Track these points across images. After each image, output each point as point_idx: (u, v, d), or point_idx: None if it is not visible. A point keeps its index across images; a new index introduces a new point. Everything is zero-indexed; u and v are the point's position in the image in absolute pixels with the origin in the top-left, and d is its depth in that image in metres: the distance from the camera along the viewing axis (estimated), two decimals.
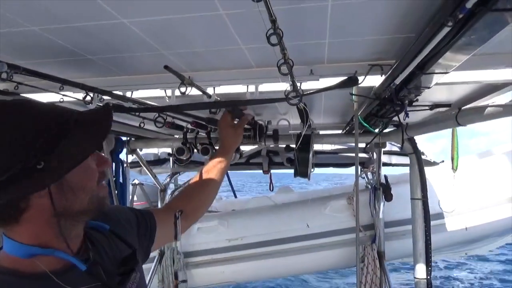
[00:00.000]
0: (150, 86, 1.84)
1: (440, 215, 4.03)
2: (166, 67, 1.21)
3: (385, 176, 3.83)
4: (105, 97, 1.68)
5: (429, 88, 1.55)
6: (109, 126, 0.95)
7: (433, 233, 3.07)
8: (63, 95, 1.58)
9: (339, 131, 3.62)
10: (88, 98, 1.53)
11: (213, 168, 1.79)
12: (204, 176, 1.72)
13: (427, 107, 2.57)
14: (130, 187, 3.83)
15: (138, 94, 1.97)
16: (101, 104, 1.77)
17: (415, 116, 2.85)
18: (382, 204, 3.81)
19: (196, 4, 1.12)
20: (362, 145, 3.41)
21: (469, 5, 0.85)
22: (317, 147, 3.87)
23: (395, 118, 2.13)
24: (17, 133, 0.81)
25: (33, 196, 0.84)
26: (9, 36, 1.30)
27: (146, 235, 1.33)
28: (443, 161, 4.49)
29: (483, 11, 0.83)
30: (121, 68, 1.76)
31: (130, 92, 1.91)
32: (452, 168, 3.24)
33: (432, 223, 3.14)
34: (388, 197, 3.69)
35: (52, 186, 0.85)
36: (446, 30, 0.96)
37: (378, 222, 3.90)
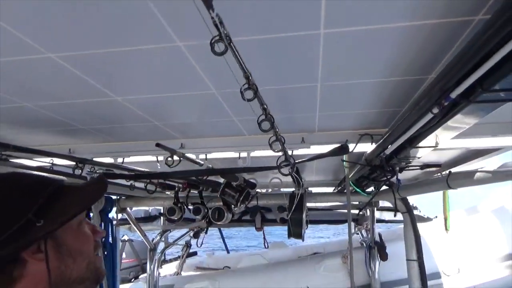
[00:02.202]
0: (141, 153, 1.84)
1: (437, 275, 3.92)
2: (157, 144, 1.21)
3: (380, 235, 3.76)
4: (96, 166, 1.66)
5: (418, 158, 1.57)
6: (103, 190, 0.97)
7: None
8: (53, 164, 1.57)
9: (332, 188, 3.61)
10: (78, 170, 1.52)
11: None
12: None
13: (417, 167, 2.59)
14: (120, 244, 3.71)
15: (130, 159, 1.96)
16: (90, 171, 1.75)
17: (406, 173, 2.87)
18: (377, 263, 3.72)
19: (188, 84, 1.15)
20: (355, 202, 3.39)
21: (453, 95, 0.88)
22: (310, 204, 3.84)
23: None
24: (17, 195, 0.82)
25: (29, 263, 0.80)
26: (9, 112, 1.31)
27: None
28: (436, 217, 4.46)
29: (466, 103, 0.86)
30: (113, 136, 1.76)
31: (122, 158, 1.90)
32: (445, 228, 3.21)
33: (430, 283, 3.06)
34: (383, 256, 3.61)
35: (49, 248, 0.82)
36: (431, 115, 0.98)
37: (374, 283, 3.77)
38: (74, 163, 1.53)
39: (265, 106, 0.88)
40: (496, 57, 0.69)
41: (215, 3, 0.69)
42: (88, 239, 0.92)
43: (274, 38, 0.87)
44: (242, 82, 0.72)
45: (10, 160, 1.46)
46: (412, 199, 4.48)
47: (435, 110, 0.95)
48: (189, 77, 1.08)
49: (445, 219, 3.20)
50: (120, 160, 1.90)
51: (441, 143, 1.34)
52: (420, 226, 3.18)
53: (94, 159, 1.88)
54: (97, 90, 1.16)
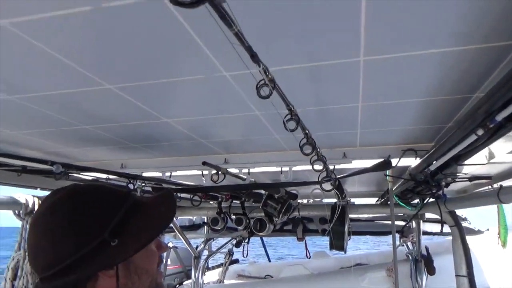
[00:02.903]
0: (188, 168, 1.93)
1: None
2: (204, 163, 1.28)
3: (426, 248, 3.63)
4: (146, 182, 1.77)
5: (465, 174, 1.53)
6: (174, 211, 0.97)
7: None
8: (108, 179, 1.69)
9: (375, 199, 3.55)
10: (131, 185, 1.62)
11: None
12: None
13: (466, 179, 2.50)
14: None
15: (177, 173, 2.06)
16: (141, 185, 1.86)
17: (454, 185, 2.77)
18: (424, 277, 3.58)
19: (232, 107, 1.21)
20: (400, 214, 3.31)
21: (498, 118, 0.87)
22: (352, 215, 3.78)
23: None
24: (96, 210, 0.84)
25: (100, 278, 0.84)
26: (68, 133, 1.44)
27: None
28: (488, 230, 4.23)
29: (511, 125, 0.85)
30: (162, 151, 1.87)
31: (169, 172, 2.00)
32: (502, 245, 3.03)
33: None
34: (431, 270, 3.48)
35: (120, 266, 0.85)
36: (475, 136, 0.97)
37: None
38: (127, 179, 1.64)
39: (307, 131, 0.91)
40: None
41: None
42: (154, 258, 0.95)
43: (316, 66, 0.91)
44: (284, 112, 0.77)
45: (70, 175, 1.59)
46: (461, 211, 4.29)
47: (480, 132, 0.94)
48: (233, 101, 1.14)
49: (499, 234, 3.02)
50: (167, 174, 2.00)
51: (488, 161, 1.30)
52: (471, 239, 3.04)
53: (143, 173, 1.99)
54: (149, 113, 1.24)
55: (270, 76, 0.57)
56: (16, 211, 2.07)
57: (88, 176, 1.72)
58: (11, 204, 2.02)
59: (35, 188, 2.02)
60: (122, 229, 0.84)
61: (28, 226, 2.11)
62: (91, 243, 0.80)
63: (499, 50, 0.84)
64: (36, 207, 2.06)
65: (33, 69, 0.91)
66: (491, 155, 1.44)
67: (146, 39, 0.77)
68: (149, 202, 0.94)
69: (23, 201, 2.03)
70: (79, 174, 1.53)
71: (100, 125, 1.37)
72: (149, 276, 0.92)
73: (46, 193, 2.15)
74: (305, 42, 0.80)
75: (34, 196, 2.10)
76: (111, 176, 1.76)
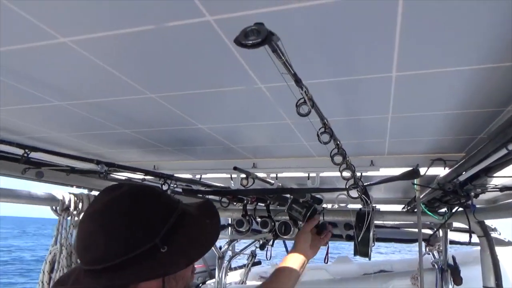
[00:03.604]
0: (217, 171, 1.99)
1: None
2: (235, 168, 1.33)
3: (453, 257, 3.57)
4: (178, 182, 1.84)
5: (496, 186, 1.52)
6: (218, 225, 0.98)
7: None
8: (144, 179, 1.78)
9: (401, 206, 3.52)
10: (165, 185, 1.70)
11: (286, 275, 1.64)
12: (278, 280, 1.60)
13: (497, 189, 2.46)
14: None
15: (207, 175, 2.13)
16: (175, 186, 1.93)
17: (484, 195, 2.72)
18: (450, 287, 3.53)
19: (265, 115, 1.26)
20: (426, 222, 3.27)
21: None
22: (377, 221, 3.75)
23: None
24: (151, 214, 0.86)
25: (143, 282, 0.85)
26: (108, 136, 1.53)
27: None
28: None
29: None
30: (193, 155, 1.94)
31: (199, 175, 2.07)
32: None
33: None
34: (458, 281, 3.41)
35: None
36: (506, 151, 0.98)
37: None
38: (161, 178, 1.72)
39: (338, 142, 0.95)
40: None
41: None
42: (192, 266, 0.98)
43: (348, 80, 0.94)
44: (318, 126, 0.81)
45: (110, 175, 1.68)
46: (491, 221, 4.17)
47: (511, 147, 0.95)
48: (266, 111, 1.19)
49: None
50: (198, 176, 2.07)
51: None
52: (501, 250, 2.97)
53: (175, 174, 2.07)
54: (185, 120, 1.31)
55: (309, 96, 0.61)
56: (54, 207, 2.19)
57: (124, 176, 1.81)
58: (49, 200, 2.14)
59: (80, 187, 2.13)
60: (171, 238, 0.85)
61: (64, 221, 2.23)
62: (142, 246, 0.81)
63: None
64: (72, 204, 2.17)
65: (83, 79, 0.99)
66: None
67: (191, 55, 0.83)
68: (194, 213, 0.95)
69: (60, 197, 2.15)
70: (116, 174, 1.62)
71: (138, 129, 1.45)
72: (184, 282, 0.95)
73: (82, 191, 2.26)
74: (339, 59, 0.84)
75: (70, 193, 2.22)
76: (146, 177, 1.85)
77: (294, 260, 1.67)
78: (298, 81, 0.54)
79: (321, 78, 0.93)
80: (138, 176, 1.70)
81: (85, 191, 2.27)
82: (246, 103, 1.15)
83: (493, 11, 0.65)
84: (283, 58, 0.46)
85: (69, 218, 2.22)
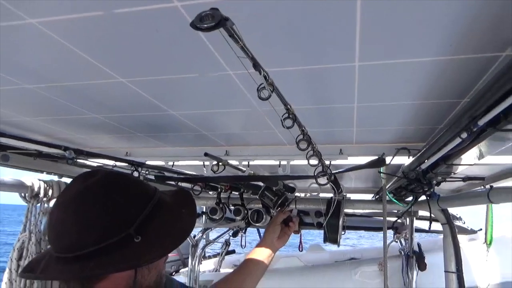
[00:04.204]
0: (190, 158, 2.01)
1: None
2: (206, 154, 1.35)
3: (419, 244, 3.73)
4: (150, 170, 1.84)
5: (454, 174, 1.60)
6: (195, 216, 0.97)
7: None
8: (115, 166, 1.77)
9: (371, 195, 3.63)
10: (136, 172, 1.70)
11: (253, 265, 1.69)
12: (245, 271, 1.66)
13: (460, 179, 2.58)
14: None
15: (179, 163, 2.14)
16: (146, 174, 1.93)
17: (449, 185, 2.85)
18: (415, 273, 3.69)
19: (235, 102, 1.29)
20: (394, 210, 3.39)
21: (481, 123, 0.95)
22: (347, 210, 3.86)
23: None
24: (126, 203, 0.84)
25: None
26: (78, 121, 1.52)
27: None
28: (481, 229, 4.33)
29: (492, 131, 0.92)
30: (165, 141, 1.94)
31: (172, 162, 2.08)
32: (486, 242, 3.13)
33: None
34: (422, 266, 3.58)
35: None
36: (459, 139, 1.05)
37: None
38: (132, 166, 1.72)
39: (303, 128, 0.99)
40: None
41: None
42: (166, 256, 0.97)
43: (313, 69, 0.98)
44: (282, 111, 0.84)
45: (79, 161, 1.67)
46: (458, 210, 4.36)
47: (464, 135, 1.02)
48: (237, 98, 1.21)
49: (486, 233, 3.12)
50: (170, 163, 2.08)
51: (475, 162, 1.38)
52: (463, 238, 3.13)
53: (147, 161, 2.07)
54: (156, 106, 1.32)
55: (269, 81, 0.64)
56: (22, 194, 2.15)
57: (95, 162, 1.80)
58: (18, 186, 2.10)
59: (49, 173, 2.09)
60: (146, 228, 0.84)
61: (33, 208, 2.20)
62: (115, 236, 0.80)
63: (485, 61, 0.91)
64: (42, 191, 2.14)
65: (52, 61, 0.99)
66: (481, 156, 1.51)
67: (159, 40, 0.84)
68: (170, 202, 0.94)
69: (29, 184, 2.12)
70: (86, 160, 1.61)
71: (109, 114, 1.45)
72: (158, 271, 0.95)
73: (52, 177, 2.22)
74: (303, 47, 0.87)
75: (40, 180, 2.18)
76: (117, 163, 1.84)
77: (262, 251, 1.74)
78: (256, 65, 0.57)
79: (287, 66, 0.97)
80: (108, 163, 1.69)
81: (55, 178, 2.24)
82: (217, 90, 1.17)
83: (448, 6, 0.69)
84: (240, 42, 0.48)
85: (38, 205, 2.19)
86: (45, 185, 2.16)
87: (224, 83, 1.10)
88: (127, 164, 1.78)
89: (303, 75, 1.02)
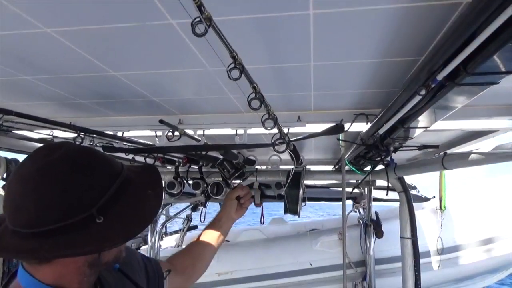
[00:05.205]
0: (141, 128, 1.88)
1: (430, 253, 4.01)
2: (161, 121, 1.25)
3: (376, 213, 3.83)
4: (96, 137, 1.70)
5: (412, 138, 1.59)
6: (161, 196, 0.94)
7: (423, 272, 3.05)
8: (54, 136, 1.61)
9: (331, 167, 3.65)
10: (79, 139, 1.56)
11: (211, 236, 1.74)
12: (203, 241, 1.69)
13: (415, 148, 2.62)
14: None
15: (129, 133, 2.00)
16: (93, 143, 1.80)
17: (406, 154, 2.90)
18: (373, 240, 3.80)
19: (184, 62, 1.17)
20: (353, 181, 3.44)
21: (439, 77, 0.90)
22: (308, 181, 3.89)
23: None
24: (89, 182, 0.80)
25: None
26: (9, 84, 1.35)
27: (155, 281, 1.32)
28: (434, 197, 4.51)
29: (451, 85, 0.88)
30: (113, 110, 1.80)
31: (121, 132, 1.94)
32: (440, 208, 3.26)
33: (422, 261, 3.13)
34: (379, 234, 3.69)
35: None
36: (419, 97, 1.01)
37: (369, 259, 3.87)
38: (75, 134, 1.57)
39: (254, 85, 0.90)
40: (477, 40, 0.71)
41: None
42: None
43: (265, 17, 0.89)
44: (229, 62, 0.75)
45: (13, 131, 1.50)
46: (413, 179, 4.50)
47: (423, 92, 0.97)
48: (184, 55, 1.10)
49: (440, 199, 3.25)
50: (119, 134, 1.94)
51: (432, 125, 1.36)
52: (417, 205, 3.23)
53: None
54: (94, 64, 1.18)
55: (206, 13, 0.55)
56: None
57: (32, 132, 1.63)
58: None
59: None
60: (110, 208, 0.80)
61: None
62: (76, 215, 0.77)
63: (443, 10, 0.86)
64: None
65: None
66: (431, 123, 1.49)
67: None
68: (137, 181, 0.90)
69: None
70: (20, 130, 1.44)
71: (41, 76, 1.29)
72: (117, 249, 0.93)
73: None
74: None
75: None
76: (58, 134, 1.68)
77: (219, 223, 1.77)
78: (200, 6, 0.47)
79: (237, 15, 0.87)
80: (45, 131, 1.53)
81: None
82: (160, 45, 1.05)
83: None
84: None
85: None
86: None
87: (168, 36, 0.98)
88: (68, 131, 1.61)
89: (253, 25, 0.92)
